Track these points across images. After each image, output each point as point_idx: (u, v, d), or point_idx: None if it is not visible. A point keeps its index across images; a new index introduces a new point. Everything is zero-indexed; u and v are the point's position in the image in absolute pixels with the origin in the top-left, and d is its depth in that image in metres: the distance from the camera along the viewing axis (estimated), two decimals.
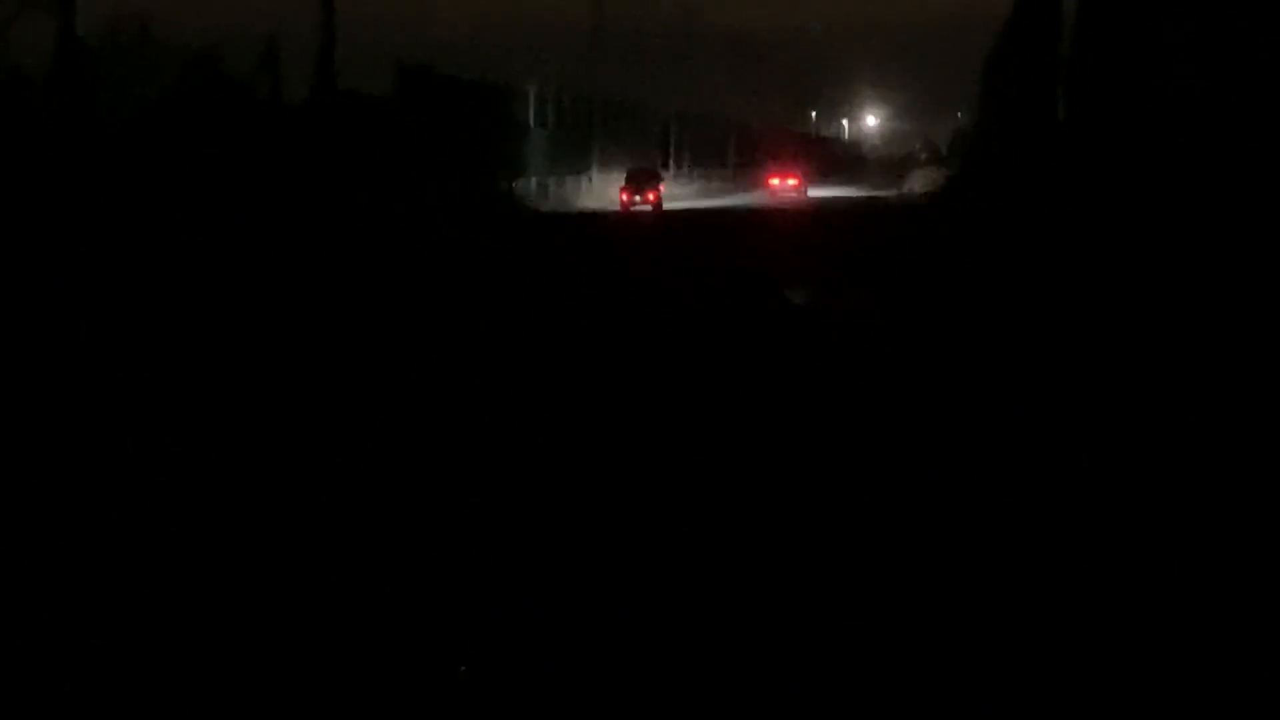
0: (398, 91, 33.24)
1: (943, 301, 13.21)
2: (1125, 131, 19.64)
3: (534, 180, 41.69)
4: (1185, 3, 17.76)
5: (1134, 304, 11.64)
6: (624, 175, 43.66)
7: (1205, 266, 12.78)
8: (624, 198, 41.56)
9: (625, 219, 36.25)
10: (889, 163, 79.45)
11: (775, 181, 52.14)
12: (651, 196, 41.62)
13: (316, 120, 29.78)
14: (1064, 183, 22.68)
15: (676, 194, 47.53)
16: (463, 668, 3.81)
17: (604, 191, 45.60)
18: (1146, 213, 16.90)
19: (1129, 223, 17.25)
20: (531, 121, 42.03)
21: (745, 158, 62.81)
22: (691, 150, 58.06)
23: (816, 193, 52.72)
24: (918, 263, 18.32)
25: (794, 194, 50.47)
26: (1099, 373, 8.45)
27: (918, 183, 51.81)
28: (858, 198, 47.78)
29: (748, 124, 66.73)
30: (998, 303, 12.85)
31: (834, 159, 78.51)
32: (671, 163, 55.03)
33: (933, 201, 38.05)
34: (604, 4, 56.81)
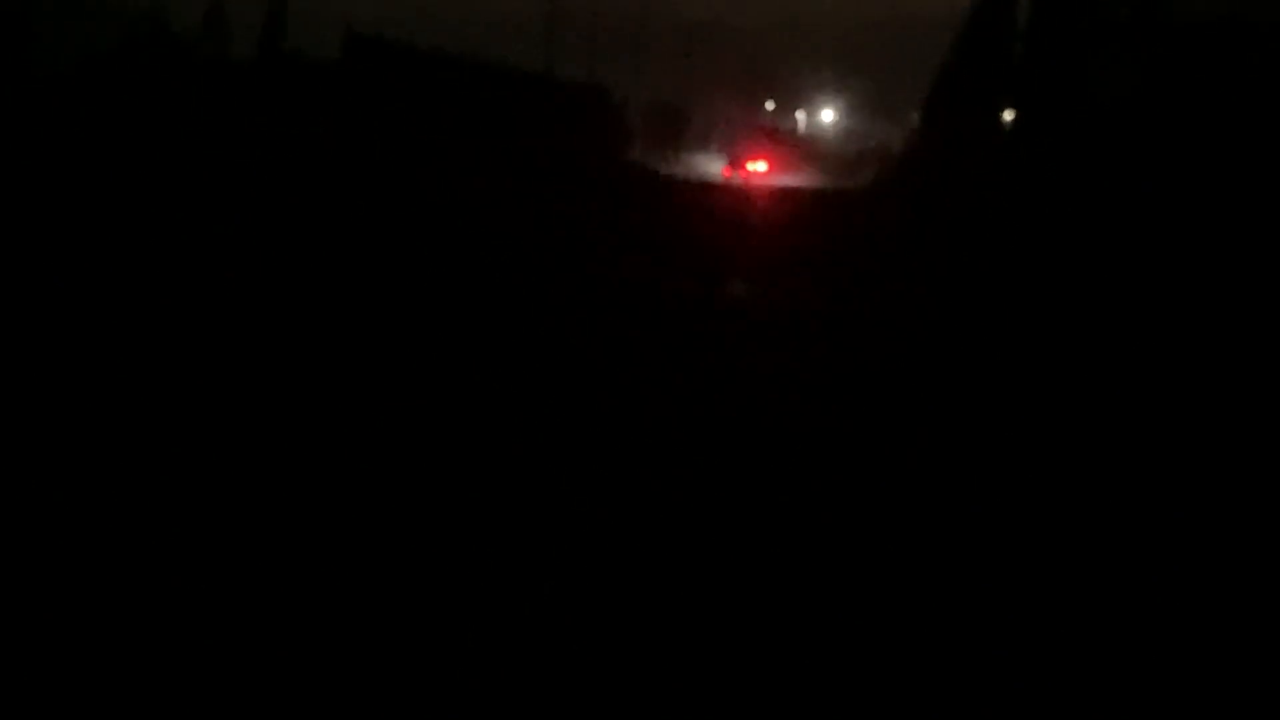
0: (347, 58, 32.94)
1: (882, 295, 13.18)
2: (1072, 140, 19.71)
3: None
4: (1136, 24, 17.83)
5: (1071, 309, 11.64)
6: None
7: (1146, 277, 12.84)
8: (726, 172, 53.91)
9: None
10: (843, 157, 79.99)
11: (751, 166, 61.32)
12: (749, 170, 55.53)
13: (263, 83, 29.46)
14: (1009, 187, 22.75)
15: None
16: None
17: None
18: (1091, 222, 16.96)
19: (1072, 230, 17.31)
20: None
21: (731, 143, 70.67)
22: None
23: (779, 180, 56.74)
24: (860, 254, 18.33)
25: (762, 177, 58.83)
26: (1028, 375, 8.44)
27: (869, 178, 52.60)
28: (815, 187, 49.93)
29: (735, 115, 72.15)
30: (936, 301, 12.82)
31: (792, 150, 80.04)
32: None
33: (881, 195, 38.42)
34: None
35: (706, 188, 43.54)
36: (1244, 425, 6.96)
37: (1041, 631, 4.06)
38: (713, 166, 59.72)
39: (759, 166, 60.80)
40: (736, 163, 61.53)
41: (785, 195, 41.02)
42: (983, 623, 4.17)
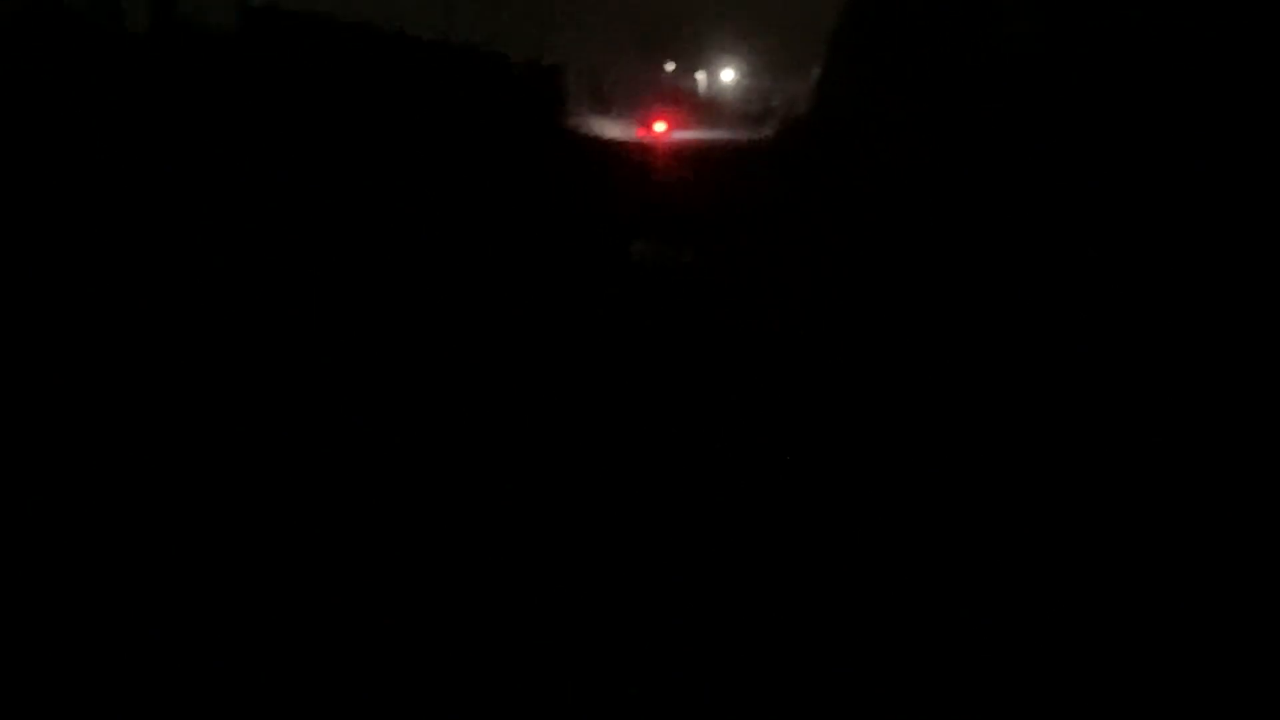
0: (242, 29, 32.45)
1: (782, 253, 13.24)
2: (974, 89, 19.85)
3: None
4: None
5: (977, 255, 11.71)
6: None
7: (1055, 226, 12.94)
8: (640, 132, 54.98)
9: None
10: (747, 115, 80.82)
11: (659, 126, 63.28)
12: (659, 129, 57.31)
13: (157, 55, 28.96)
14: (912, 139, 22.90)
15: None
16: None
17: None
18: (996, 169, 17.11)
19: (977, 178, 17.46)
20: None
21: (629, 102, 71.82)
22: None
23: (681, 135, 58.20)
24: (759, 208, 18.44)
25: (661, 134, 60.83)
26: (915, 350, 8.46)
27: (771, 132, 53.31)
28: (716, 140, 51.18)
29: (634, 74, 73.05)
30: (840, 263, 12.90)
31: (693, 108, 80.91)
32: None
33: (784, 148, 38.74)
34: None
35: (631, 147, 44.20)
36: (1168, 393, 7.01)
37: (1032, 632, 4.03)
38: (620, 129, 60.29)
39: (660, 127, 62.14)
40: (644, 123, 62.75)
41: (694, 150, 41.49)
42: (946, 624, 4.17)
